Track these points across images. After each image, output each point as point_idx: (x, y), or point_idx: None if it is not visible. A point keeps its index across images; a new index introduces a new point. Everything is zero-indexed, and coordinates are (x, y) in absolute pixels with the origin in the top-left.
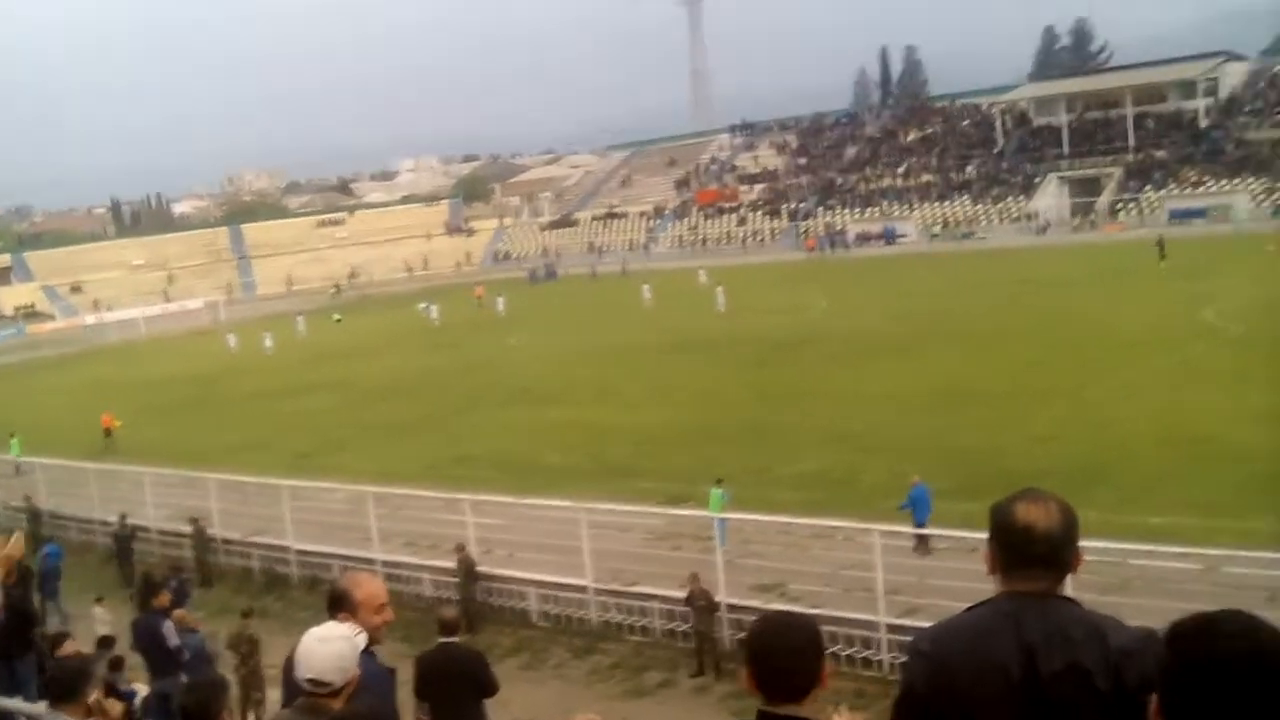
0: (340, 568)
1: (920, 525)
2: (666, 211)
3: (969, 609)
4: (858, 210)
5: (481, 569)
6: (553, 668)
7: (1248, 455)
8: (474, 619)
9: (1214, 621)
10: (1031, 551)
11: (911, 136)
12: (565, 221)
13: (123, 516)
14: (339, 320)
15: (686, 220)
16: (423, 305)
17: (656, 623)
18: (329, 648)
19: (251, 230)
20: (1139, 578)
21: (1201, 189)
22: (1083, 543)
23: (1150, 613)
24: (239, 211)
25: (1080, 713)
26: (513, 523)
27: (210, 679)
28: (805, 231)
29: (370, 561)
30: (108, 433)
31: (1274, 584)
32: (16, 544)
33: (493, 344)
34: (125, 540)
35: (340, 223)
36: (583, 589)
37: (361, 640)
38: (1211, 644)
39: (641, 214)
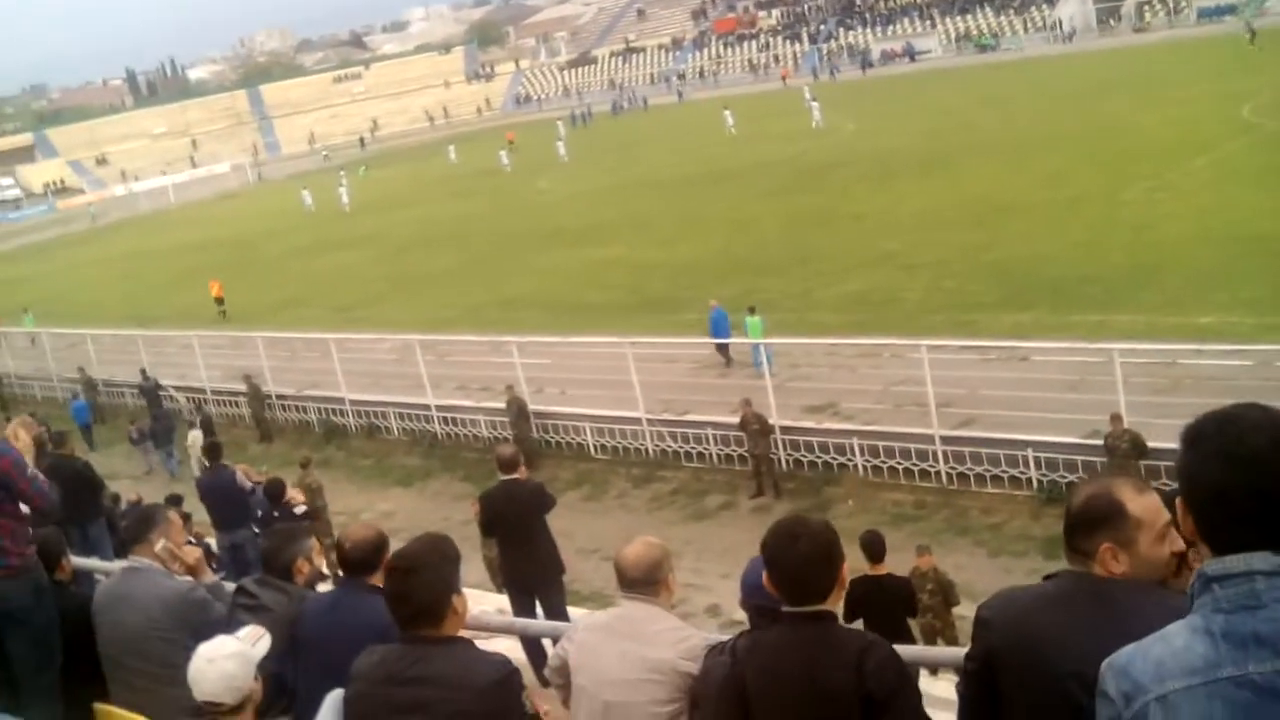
0: (396, 414)
1: (723, 342)
2: (686, 43)
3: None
4: (879, 29)
5: (534, 408)
6: (614, 498)
7: None
8: (530, 456)
9: (1232, 416)
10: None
11: None
12: (584, 60)
13: (142, 371)
14: (365, 172)
15: (706, 50)
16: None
17: (712, 449)
18: (216, 668)
19: (270, 91)
20: (1189, 377)
21: None
22: (1130, 345)
23: (1203, 411)
24: (254, 73)
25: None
26: (560, 361)
27: (291, 526)
28: (827, 54)
29: (425, 407)
30: (219, 301)
31: None
32: (24, 424)
33: (523, 187)
34: (152, 392)
35: (358, 77)
36: (636, 420)
37: (262, 647)
38: (1235, 437)
39: (660, 47)
